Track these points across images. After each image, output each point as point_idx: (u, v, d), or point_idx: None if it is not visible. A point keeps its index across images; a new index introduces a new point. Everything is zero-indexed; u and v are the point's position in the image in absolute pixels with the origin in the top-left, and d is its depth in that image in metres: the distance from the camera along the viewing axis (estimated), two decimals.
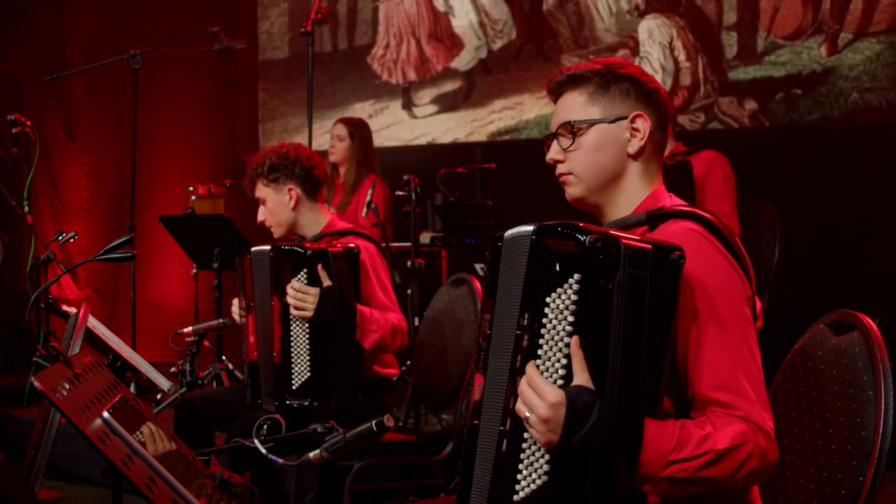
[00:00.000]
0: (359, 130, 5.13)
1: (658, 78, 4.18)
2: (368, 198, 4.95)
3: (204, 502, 1.68)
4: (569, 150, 1.85)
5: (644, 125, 1.83)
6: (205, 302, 5.36)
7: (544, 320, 1.58)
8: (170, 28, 6.64)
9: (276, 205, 3.33)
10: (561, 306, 1.56)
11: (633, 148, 1.84)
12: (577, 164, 1.85)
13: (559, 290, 1.56)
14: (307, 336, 3.10)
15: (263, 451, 2.08)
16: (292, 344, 3.11)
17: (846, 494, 1.64)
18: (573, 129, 1.84)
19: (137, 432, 1.72)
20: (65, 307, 2.88)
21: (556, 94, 1.91)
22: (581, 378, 1.55)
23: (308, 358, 3.10)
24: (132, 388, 4.57)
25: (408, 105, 6.56)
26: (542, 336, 1.58)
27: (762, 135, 5.04)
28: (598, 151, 1.83)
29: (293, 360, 3.10)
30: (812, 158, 4.76)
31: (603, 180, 1.85)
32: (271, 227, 3.38)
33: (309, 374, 3.10)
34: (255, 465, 3.01)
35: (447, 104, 6.38)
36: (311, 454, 2.07)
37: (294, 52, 7.12)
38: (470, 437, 1.75)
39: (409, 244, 4.60)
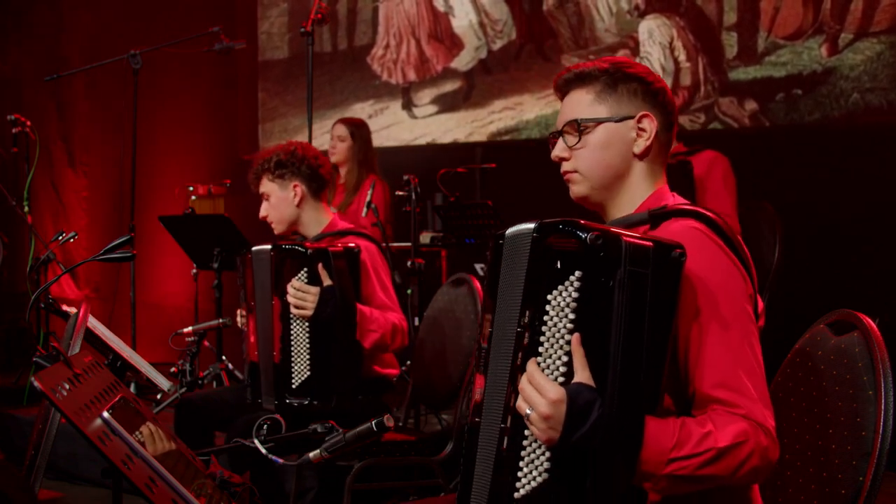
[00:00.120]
0: (360, 131, 5.13)
1: None
2: (368, 198, 4.95)
3: (204, 502, 1.68)
4: (574, 148, 1.85)
5: (650, 125, 1.83)
6: (205, 302, 5.35)
7: (545, 318, 1.58)
8: (170, 28, 6.63)
9: (279, 200, 3.33)
10: (562, 304, 1.56)
11: (638, 148, 1.84)
12: (582, 163, 1.85)
13: (560, 287, 1.56)
14: (307, 335, 3.10)
15: (263, 451, 2.08)
16: (292, 343, 3.11)
17: (846, 494, 1.64)
18: (580, 128, 1.84)
19: (137, 432, 1.72)
20: (65, 307, 2.88)
21: (562, 91, 1.91)
22: (582, 375, 1.55)
23: (308, 357, 3.10)
24: (132, 388, 4.57)
25: (408, 105, 6.55)
26: (544, 333, 1.58)
27: (762, 135, 5.04)
28: (604, 150, 1.84)
29: (293, 358, 3.10)
30: (812, 158, 4.76)
31: (608, 179, 1.85)
32: (272, 223, 3.37)
33: (309, 373, 3.10)
34: (255, 465, 3.02)
35: (447, 104, 6.38)
36: (311, 454, 2.07)
37: (294, 52, 7.11)
38: (471, 434, 1.76)
39: (409, 244, 4.60)
